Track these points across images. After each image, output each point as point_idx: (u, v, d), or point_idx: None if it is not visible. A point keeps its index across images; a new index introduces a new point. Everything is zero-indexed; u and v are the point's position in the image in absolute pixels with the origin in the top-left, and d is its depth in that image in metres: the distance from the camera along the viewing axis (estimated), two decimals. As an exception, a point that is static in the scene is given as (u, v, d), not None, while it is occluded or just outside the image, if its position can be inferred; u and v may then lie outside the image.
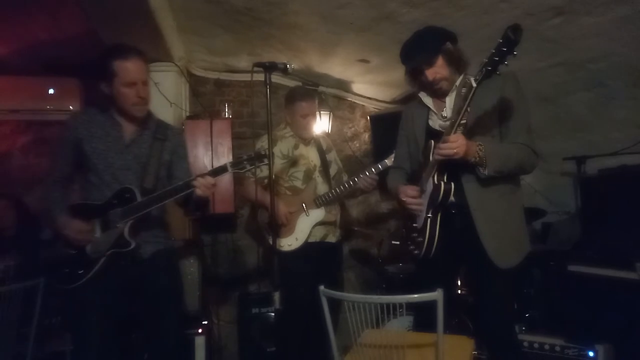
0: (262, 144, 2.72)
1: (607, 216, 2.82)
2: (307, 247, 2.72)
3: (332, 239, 2.85)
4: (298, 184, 2.79)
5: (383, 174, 2.66)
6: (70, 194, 2.09)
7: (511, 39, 1.55)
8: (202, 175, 1.92)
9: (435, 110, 2.03)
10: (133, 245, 1.93)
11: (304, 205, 2.74)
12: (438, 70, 1.93)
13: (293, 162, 2.77)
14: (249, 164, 1.93)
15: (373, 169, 2.66)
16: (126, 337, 2.19)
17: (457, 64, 1.93)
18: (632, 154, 2.93)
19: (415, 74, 2.00)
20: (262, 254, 3.63)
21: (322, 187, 2.82)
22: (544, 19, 2.39)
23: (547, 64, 2.82)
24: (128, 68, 1.92)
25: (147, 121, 2.08)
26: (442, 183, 1.88)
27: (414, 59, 1.96)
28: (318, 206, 2.76)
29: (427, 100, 2.05)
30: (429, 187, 1.92)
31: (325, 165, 2.90)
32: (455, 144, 1.75)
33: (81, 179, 2.05)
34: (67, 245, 1.96)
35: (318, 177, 2.83)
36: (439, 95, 2.01)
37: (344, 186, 2.74)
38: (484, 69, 1.64)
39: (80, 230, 1.94)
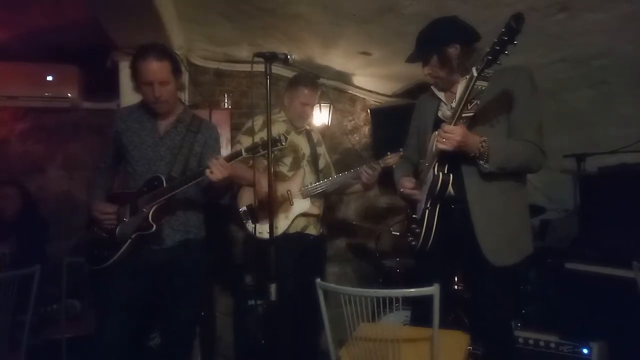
0: (254, 123, 2.62)
1: (606, 214, 2.82)
2: (288, 238, 2.60)
3: (312, 231, 2.74)
4: (285, 169, 2.71)
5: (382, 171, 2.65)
6: (113, 183, 2.30)
7: (513, 27, 1.54)
8: (217, 158, 1.98)
9: (445, 101, 2.02)
10: (154, 228, 2.03)
11: (289, 193, 2.66)
12: (432, 69, 1.94)
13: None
14: (263, 149, 1.94)
15: (373, 164, 2.61)
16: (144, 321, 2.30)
17: (453, 67, 1.89)
18: (633, 152, 2.92)
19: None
20: (242, 242, 3.58)
21: (309, 177, 2.74)
22: (547, 14, 2.37)
23: (550, 59, 2.80)
24: (145, 68, 2.02)
25: (182, 115, 2.21)
26: (441, 174, 1.86)
27: (413, 54, 1.97)
28: (304, 196, 2.67)
29: (440, 93, 2.04)
30: (430, 177, 1.91)
31: (314, 156, 2.84)
32: (450, 135, 1.74)
33: (122, 169, 2.26)
34: (100, 228, 2.13)
35: (306, 167, 2.76)
36: (440, 88, 2.01)
37: (336, 177, 2.70)
38: (485, 58, 1.63)
39: (103, 211, 2.11)
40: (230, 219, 3.61)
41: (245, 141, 2.58)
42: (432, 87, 2.07)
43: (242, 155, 1.98)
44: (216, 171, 1.94)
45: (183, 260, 2.15)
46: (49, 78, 3.59)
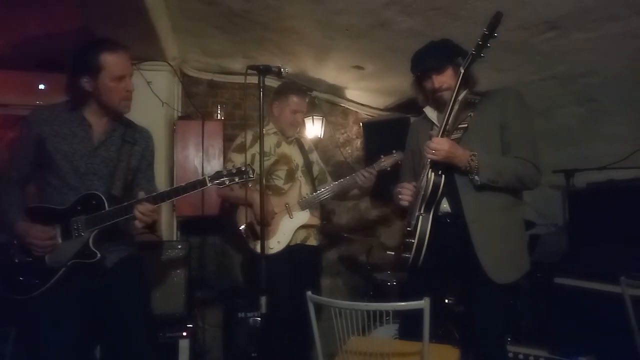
0: (245, 139, 2.61)
1: (595, 230, 2.85)
2: (288, 251, 2.61)
3: (313, 242, 2.74)
4: (280, 183, 2.69)
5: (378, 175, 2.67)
6: (27, 196, 1.93)
7: (493, 23, 1.73)
8: (141, 202, 1.79)
9: (437, 124, 2.04)
10: (98, 256, 1.80)
11: (287, 206, 2.65)
12: (445, 79, 1.95)
13: (275, 160, 2.68)
14: (229, 180, 1.87)
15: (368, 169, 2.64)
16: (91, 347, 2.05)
17: (465, 79, 1.91)
18: (620, 168, 2.97)
19: (421, 81, 2.02)
20: (242, 257, 3.55)
21: (305, 188, 2.74)
22: (536, 33, 2.42)
23: (540, 77, 2.85)
24: (116, 62, 1.83)
25: (117, 122, 1.96)
26: (433, 175, 1.88)
27: (425, 63, 1.98)
28: (302, 208, 2.67)
29: (432, 114, 2.08)
30: (422, 183, 1.94)
31: (308, 165, 2.83)
32: (437, 146, 1.81)
33: (40, 179, 1.89)
34: (23, 251, 1.80)
35: (301, 177, 2.76)
36: (439, 104, 2.02)
37: (333, 186, 2.70)
38: (470, 54, 1.79)
39: (44, 237, 1.78)
40: (220, 231, 3.60)
41: (237, 159, 2.57)
42: (424, 110, 2.10)
43: (206, 184, 1.85)
44: (142, 217, 1.79)
45: (123, 281, 1.91)
46: (41, 87, 3.57)
